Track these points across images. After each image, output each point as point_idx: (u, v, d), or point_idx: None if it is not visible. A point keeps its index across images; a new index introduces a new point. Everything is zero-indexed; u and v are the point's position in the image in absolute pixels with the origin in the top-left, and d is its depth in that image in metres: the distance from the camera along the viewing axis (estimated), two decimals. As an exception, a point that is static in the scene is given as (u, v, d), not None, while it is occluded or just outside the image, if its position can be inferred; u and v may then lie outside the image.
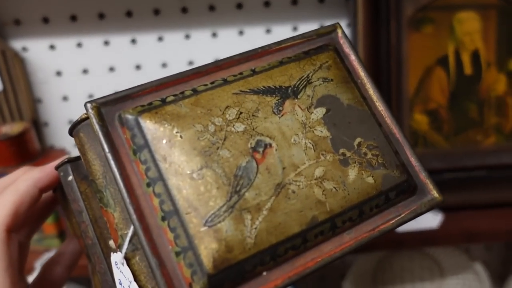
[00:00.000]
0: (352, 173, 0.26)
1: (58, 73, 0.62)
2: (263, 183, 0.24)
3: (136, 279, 0.24)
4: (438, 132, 0.60)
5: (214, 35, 0.61)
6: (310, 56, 0.28)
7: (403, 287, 0.74)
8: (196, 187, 0.23)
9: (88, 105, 0.23)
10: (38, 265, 0.55)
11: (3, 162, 0.53)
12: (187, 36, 0.61)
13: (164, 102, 0.24)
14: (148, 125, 0.23)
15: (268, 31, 0.61)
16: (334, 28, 0.29)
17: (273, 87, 0.26)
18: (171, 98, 0.25)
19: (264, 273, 0.23)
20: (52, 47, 0.61)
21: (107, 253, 0.26)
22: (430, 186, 0.28)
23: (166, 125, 0.24)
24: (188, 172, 0.23)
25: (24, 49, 0.60)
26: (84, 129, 0.25)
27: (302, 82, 0.27)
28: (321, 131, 0.26)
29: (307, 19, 0.61)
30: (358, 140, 0.27)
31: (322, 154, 0.25)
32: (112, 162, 0.22)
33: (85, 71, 0.62)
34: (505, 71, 0.58)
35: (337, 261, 0.75)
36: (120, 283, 0.25)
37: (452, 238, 0.55)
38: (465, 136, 0.60)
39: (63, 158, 0.28)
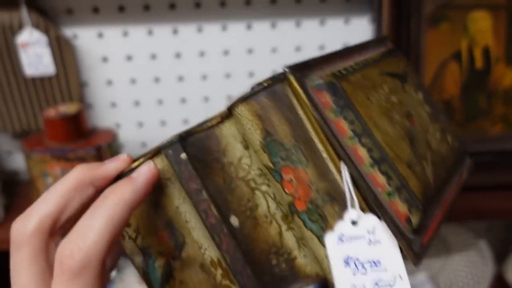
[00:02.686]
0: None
1: (104, 59, 0.68)
2: (419, 135, 0.29)
3: None
4: (450, 120, 0.66)
5: (249, 27, 0.67)
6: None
7: (412, 262, 0.80)
8: (395, 136, 0.27)
9: (288, 70, 0.25)
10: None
11: (60, 138, 0.59)
12: (224, 28, 0.66)
13: (342, 73, 0.28)
14: (346, 88, 0.26)
15: (297, 24, 0.67)
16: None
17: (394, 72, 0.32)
18: (345, 71, 0.28)
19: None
20: (100, 35, 0.66)
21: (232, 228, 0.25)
22: None
23: (358, 91, 0.27)
24: (383, 126, 0.26)
25: (75, 36, 0.66)
26: (267, 94, 0.26)
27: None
28: (425, 108, 0.32)
29: (334, 14, 0.66)
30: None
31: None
32: (319, 118, 0.24)
33: (129, 58, 0.67)
34: (513, 66, 0.64)
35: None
36: (347, 261, 0.24)
37: (462, 214, 0.61)
38: (474, 124, 0.66)
39: (170, 138, 0.25)
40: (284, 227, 0.26)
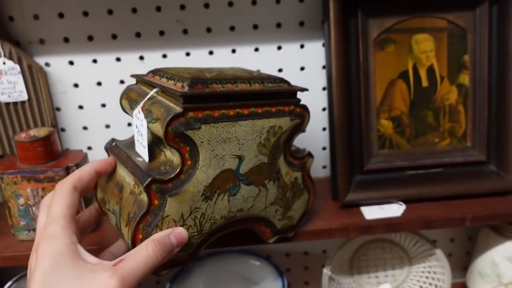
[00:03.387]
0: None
1: (76, 85, 0.72)
2: (215, 72, 0.52)
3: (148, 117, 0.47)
4: (401, 135, 0.70)
5: (211, 53, 0.71)
6: None
7: (377, 274, 0.83)
8: (188, 72, 0.51)
9: (134, 75, 0.57)
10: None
11: (31, 160, 0.62)
12: (188, 54, 0.71)
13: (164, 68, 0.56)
14: (161, 68, 0.55)
15: (256, 49, 0.72)
16: None
17: None
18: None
19: (218, 89, 0.47)
20: (71, 62, 0.70)
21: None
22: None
23: (173, 68, 0.55)
24: (184, 72, 0.51)
25: (47, 64, 0.70)
26: (128, 89, 0.56)
27: None
28: (236, 71, 0.56)
29: (289, 39, 0.71)
30: None
31: None
32: (148, 82, 0.52)
33: (99, 84, 0.72)
34: (456, 83, 0.69)
35: (319, 251, 0.86)
36: (136, 127, 0.49)
37: (413, 224, 0.65)
38: (424, 139, 0.70)
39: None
40: (165, 149, 0.49)
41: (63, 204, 0.43)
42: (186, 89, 0.45)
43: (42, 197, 0.63)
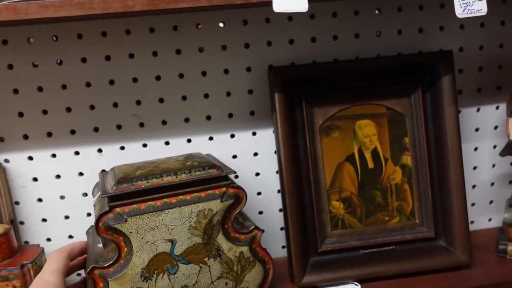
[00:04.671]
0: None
1: (35, 179, 0.73)
2: (154, 165, 0.61)
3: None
4: (352, 215, 0.73)
5: (167, 143, 0.74)
6: None
7: None
8: (130, 168, 0.60)
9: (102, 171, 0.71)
10: None
11: (-15, 259, 0.63)
12: (144, 145, 0.74)
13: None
14: (117, 168, 0.63)
15: (210, 138, 0.75)
16: None
17: None
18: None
19: (143, 186, 0.55)
20: (30, 158, 0.72)
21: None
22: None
23: (125, 166, 0.64)
24: (127, 170, 0.60)
25: (6, 160, 0.72)
26: (96, 186, 0.70)
27: None
28: (178, 163, 0.62)
29: (241, 128, 0.75)
30: None
31: None
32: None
33: (58, 177, 0.73)
34: (400, 164, 0.73)
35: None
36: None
37: (368, 305, 0.66)
38: (374, 218, 0.73)
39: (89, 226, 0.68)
40: None
41: (59, 263, 0.55)
42: (113, 189, 0.54)
43: (-5, 297, 0.63)
